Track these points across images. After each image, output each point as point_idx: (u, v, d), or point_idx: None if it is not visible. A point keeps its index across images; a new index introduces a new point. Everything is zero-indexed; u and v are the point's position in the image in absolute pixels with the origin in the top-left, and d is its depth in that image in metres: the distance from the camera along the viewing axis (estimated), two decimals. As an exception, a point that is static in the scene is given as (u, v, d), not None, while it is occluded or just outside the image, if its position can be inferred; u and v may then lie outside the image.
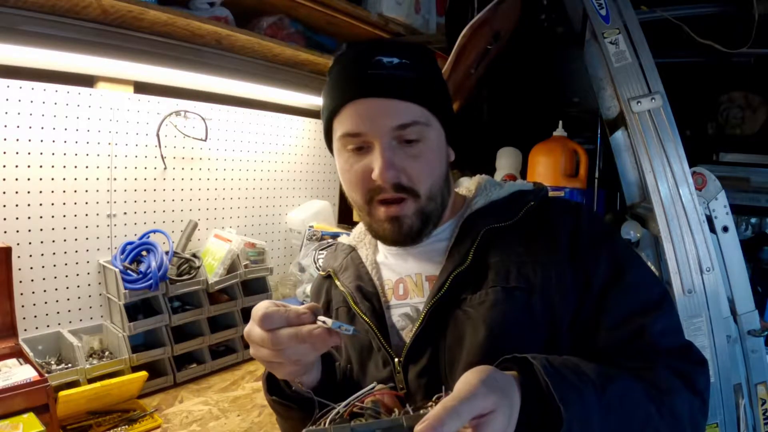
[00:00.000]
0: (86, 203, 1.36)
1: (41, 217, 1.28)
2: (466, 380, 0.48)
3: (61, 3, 1.09)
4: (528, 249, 0.69)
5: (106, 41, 1.23)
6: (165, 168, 1.52)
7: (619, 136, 1.51)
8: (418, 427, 0.43)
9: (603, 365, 0.59)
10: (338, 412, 0.51)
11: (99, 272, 1.39)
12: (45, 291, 1.30)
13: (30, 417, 0.99)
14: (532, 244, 0.70)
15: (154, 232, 1.49)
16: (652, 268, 1.45)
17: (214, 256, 1.56)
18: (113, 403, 1.21)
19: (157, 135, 1.48)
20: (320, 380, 0.67)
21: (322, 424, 0.49)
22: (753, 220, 2.00)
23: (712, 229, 1.44)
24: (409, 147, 0.69)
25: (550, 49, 1.99)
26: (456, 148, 0.77)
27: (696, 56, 1.89)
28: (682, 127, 1.43)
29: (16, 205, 1.23)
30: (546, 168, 1.82)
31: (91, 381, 1.20)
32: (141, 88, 1.47)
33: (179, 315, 1.41)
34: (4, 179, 1.21)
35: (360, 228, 0.87)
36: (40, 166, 1.27)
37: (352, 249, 0.84)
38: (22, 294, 1.24)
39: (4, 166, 1.21)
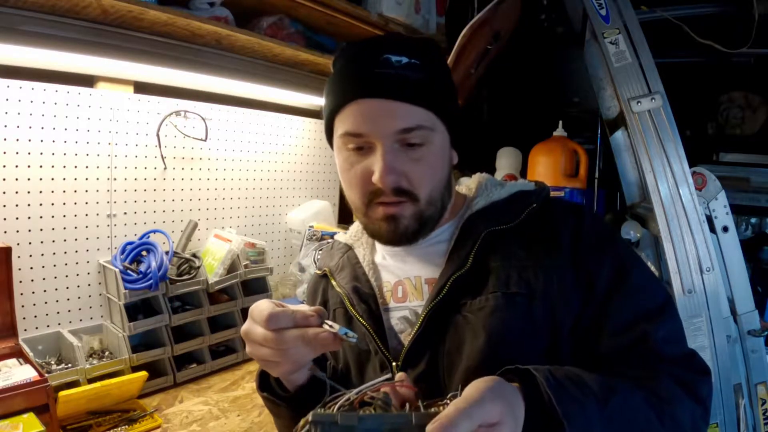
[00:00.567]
0: (86, 203, 1.36)
1: (41, 217, 1.28)
2: (476, 386, 0.48)
3: (61, 3, 1.09)
4: (529, 252, 0.68)
5: (106, 41, 1.23)
6: (165, 168, 1.52)
7: (619, 136, 1.51)
8: (429, 427, 0.43)
9: (605, 375, 0.59)
10: (349, 399, 0.50)
11: (99, 272, 1.39)
12: (45, 291, 1.30)
13: (30, 417, 0.99)
14: (534, 247, 0.68)
15: (154, 232, 1.49)
16: (652, 268, 1.46)
17: (214, 256, 1.56)
18: (113, 403, 1.21)
19: (157, 135, 1.48)
20: (310, 379, 0.67)
21: (332, 409, 0.48)
22: (753, 220, 2.01)
23: (712, 229, 1.44)
24: (412, 150, 0.67)
25: (550, 49, 2.00)
26: (456, 149, 0.76)
27: (696, 56, 1.89)
28: (682, 127, 1.43)
29: (16, 205, 1.23)
30: (546, 168, 1.82)
31: (91, 381, 1.20)
32: (141, 88, 1.47)
33: (179, 315, 1.41)
34: (4, 179, 1.21)
35: (357, 226, 0.86)
36: (40, 166, 1.27)
37: (349, 248, 0.83)
38: (22, 294, 1.24)
39: (4, 166, 1.21)
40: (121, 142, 1.41)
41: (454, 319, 0.66)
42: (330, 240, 1.76)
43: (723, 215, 1.47)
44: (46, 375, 1.08)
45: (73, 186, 1.33)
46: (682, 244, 1.36)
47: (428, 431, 0.43)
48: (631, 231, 1.47)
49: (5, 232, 1.22)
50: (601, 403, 0.55)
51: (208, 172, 1.65)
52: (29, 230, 1.26)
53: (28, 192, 1.25)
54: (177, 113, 1.52)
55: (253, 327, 0.58)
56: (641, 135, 1.41)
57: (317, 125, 2.02)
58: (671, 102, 1.41)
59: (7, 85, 1.20)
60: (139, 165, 1.47)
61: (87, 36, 1.19)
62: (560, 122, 1.87)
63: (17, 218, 1.23)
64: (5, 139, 1.20)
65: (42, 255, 1.28)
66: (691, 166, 1.40)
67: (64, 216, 1.32)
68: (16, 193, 1.23)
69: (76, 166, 1.33)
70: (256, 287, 1.65)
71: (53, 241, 1.30)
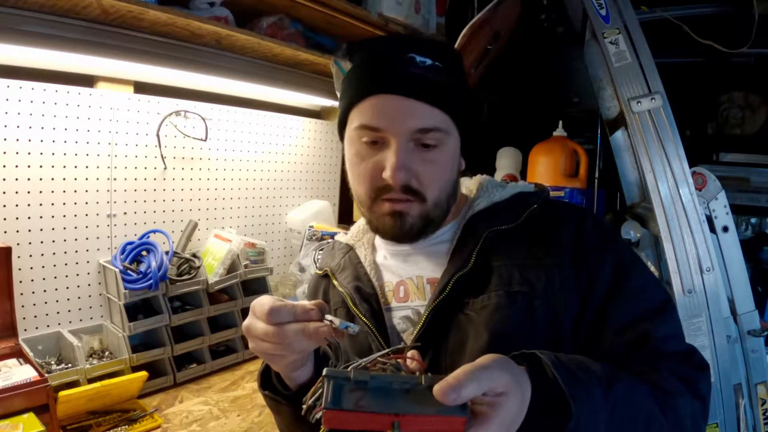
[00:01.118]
0: (86, 203, 1.36)
1: (41, 217, 1.28)
2: (485, 357, 0.49)
3: (61, 3, 1.09)
4: (531, 252, 0.69)
5: (106, 41, 1.23)
6: (165, 168, 1.52)
7: (619, 136, 1.51)
8: (437, 386, 0.44)
9: (607, 365, 0.59)
10: (361, 364, 0.51)
11: (99, 272, 1.39)
12: (45, 291, 1.30)
13: (30, 417, 0.99)
14: (535, 247, 0.69)
15: (154, 232, 1.49)
16: (652, 268, 1.46)
17: (214, 256, 1.56)
18: (113, 403, 1.21)
19: (157, 135, 1.48)
20: (312, 376, 0.67)
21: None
22: (753, 220, 2.01)
23: (712, 229, 1.44)
24: (425, 152, 0.68)
25: (550, 49, 2.00)
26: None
27: (696, 56, 1.89)
28: (682, 127, 1.43)
29: (16, 205, 1.23)
30: (546, 168, 1.82)
31: (91, 381, 1.20)
32: (141, 88, 1.47)
33: (179, 315, 1.41)
34: (4, 179, 1.21)
35: (358, 227, 0.86)
36: (40, 166, 1.27)
37: (350, 248, 0.83)
38: (22, 294, 1.24)
39: (4, 166, 1.21)
40: (121, 142, 1.41)
41: (456, 318, 0.67)
42: (330, 240, 1.77)
43: (723, 215, 1.47)
44: (46, 375, 1.08)
45: (73, 186, 1.33)
46: (682, 244, 1.36)
47: (435, 390, 0.44)
48: (631, 231, 1.47)
49: (5, 232, 1.22)
50: (606, 388, 0.55)
51: (208, 172, 1.65)
52: (29, 230, 1.26)
53: (28, 192, 1.25)
54: (177, 113, 1.52)
55: (254, 322, 0.58)
56: (641, 135, 1.41)
57: (317, 125, 2.02)
58: (671, 102, 1.42)
59: (7, 85, 1.20)
60: (139, 165, 1.46)
61: (87, 36, 1.19)
62: (560, 122, 1.87)
63: (17, 218, 1.23)
64: (5, 139, 1.20)
65: (42, 255, 1.28)
66: (691, 166, 1.40)
67: (64, 216, 1.32)
68: (16, 193, 1.23)
69: (76, 166, 1.33)
70: (256, 287, 1.65)
71: (53, 241, 1.30)
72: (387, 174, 0.66)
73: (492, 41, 1.69)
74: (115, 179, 1.41)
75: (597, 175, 1.89)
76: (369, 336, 0.71)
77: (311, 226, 1.82)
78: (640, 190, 1.52)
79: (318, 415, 0.46)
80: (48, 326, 1.30)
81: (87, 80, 1.37)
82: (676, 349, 0.66)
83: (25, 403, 1.01)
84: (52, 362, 1.25)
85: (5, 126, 1.20)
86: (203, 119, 1.58)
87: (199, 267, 1.48)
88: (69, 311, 1.34)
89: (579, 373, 0.55)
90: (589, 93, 1.63)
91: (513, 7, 1.71)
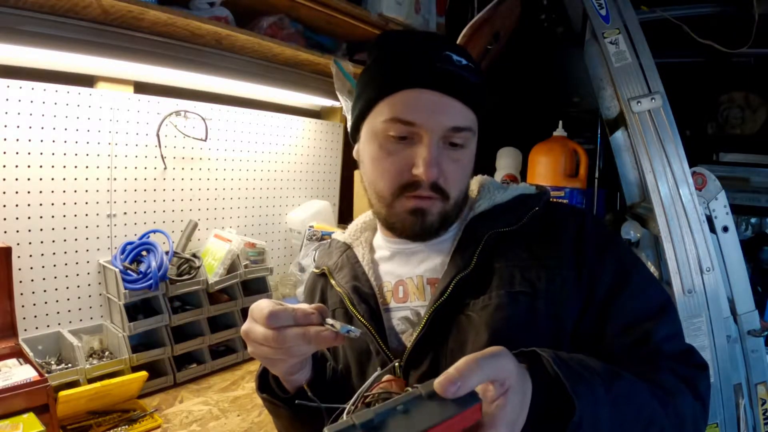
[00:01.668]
0: (86, 203, 1.36)
1: (41, 217, 1.28)
2: (488, 348, 0.47)
3: (61, 3, 1.09)
4: (532, 253, 0.69)
5: (106, 41, 1.23)
6: (165, 168, 1.52)
7: (619, 136, 1.51)
8: (437, 380, 0.42)
9: (607, 364, 0.59)
10: (354, 404, 0.49)
11: (99, 272, 1.39)
12: (45, 291, 1.30)
13: (30, 417, 0.99)
14: (537, 249, 0.69)
15: (154, 232, 1.49)
16: (652, 268, 1.46)
17: (214, 256, 1.56)
18: (113, 403, 1.21)
19: (157, 135, 1.48)
20: (311, 379, 0.67)
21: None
22: (753, 220, 2.01)
23: (712, 229, 1.44)
24: (453, 150, 0.68)
25: (550, 49, 2.00)
26: None
27: (696, 56, 1.89)
28: (682, 127, 1.43)
29: (16, 205, 1.23)
30: (546, 168, 1.82)
31: (91, 381, 1.20)
32: (141, 88, 1.47)
33: (179, 315, 1.41)
34: (4, 179, 1.21)
35: (355, 225, 0.85)
36: (40, 166, 1.27)
37: (348, 247, 0.82)
38: (22, 294, 1.24)
39: (4, 166, 1.21)
40: (121, 142, 1.41)
41: (457, 319, 0.67)
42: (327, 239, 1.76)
43: (723, 215, 1.47)
44: (46, 375, 1.08)
45: (73, 186, 1.33)
46: (682, 244, 1.36)
47: (436, 384, 0.42)
48: (631, 231, 1.47)
49: (5, 232, 1.22)
50: (607, 385, 0.55)
51: (208, 172, 1.65)
52: (29, 230, 1.26)
53: (28, 192, 1.25)
54: (177, 113, 1.52)
55: (253, 326, 0.58)
56: (641, 135, 1.41)
57: (317, 125, 2.02)
58: (671, 102, 1.41)
59: (7, 85, 1.20)
60: (139, 165, 1.46)
61: (87, 36, 1.19)
62: (560, 122, 1.87)
63: (17, 218, 1.23)
64: (5, 139, 1.20)
65: (42, 255, 1.28)
66: (691, 166, 1.40)
67: (64, 216, 1.32)
68: (16, 193, 1.23)
69: (76, 166, 1.33)
70: (256, 287, 1.65)
71: (53, 241, 1.30)
72: (420, 170, 0.66)
73: (492, 41, 1.69)
74: (115, 179, 1.41)
75: (597, 175, 1.88)
76: (367, 337, 0.70)
77: (311, 226, 1.82)
78: (640, 190, 1.52)
79: None
80: (48, 326, 1.30)
81: (87, 80, 1.37)
82: (676, 349, 0.66)
83: (25, 403, 1.01)
84: (52, 362, 1.25)
85: (5, 126, 1.20)
86: (203, 119, 1.58)
87: (199, 267, 1.48)
88: (69, 311, 1.34)
89: (580, 370, 0.54)
90: (589, 93, 1.63)
91: (513, 7, 1.71)
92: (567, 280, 0.66)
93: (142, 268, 1.36)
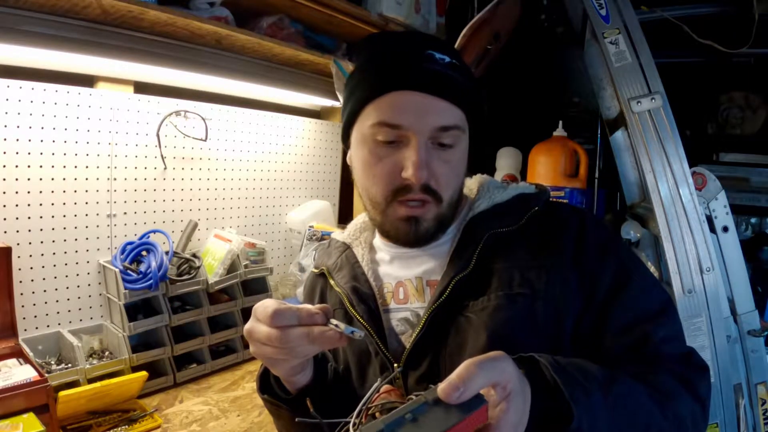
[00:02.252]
0: (86, 203, 1.36)
1: (41, 217, 1.28)
2: (490, 352, 0.48)
3: (61, 3, 1.09)
4: (532, 254, 0.68)
5: (106, 41, 1.23)
6: (165, 168, 1.52)
7: (619, 136, 1.51)
8: (440, 387, 0.42)
9: (606, 367, 0.59)
10: (359, 416, 0.49)
11: (99, 272, 1.39)
12: (45, 291, 1.30)
13: (30, 417, 0.99)
14: (536, 249, 0.68)
15: (154, 232, 1.49)
16: (652, 268, 1.46)
17: (214, 256, 1.56)
18: (113, 403, 1.21)
19: (157, 135, 1.48)
20: (312, 380, 0.67)
21: None
22: (753, 220, 2.00)
23: (712, 229, 1.44)
24: (443, 151, 0.67)
25: (550, 49, 2.00)
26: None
27: (696, 56, 1.89)
28: (682, 127, 1.43)
29: (16, 205, 1.23)
30: (546, 168, 1.82)
31: (91, 381, 1.20)
32: (141, 88, 1.47)
33: (179, 315, 1.41)
34: (4, 179, 1.21)
35: (355, 225, 0.85)
36: (40, 166, 1.27)
37: (347, 247, 0.81)
38: (22, 294, 1.24)
39: (4, 166, 1.21)
40: (121, 142, 1.41)
41: (456, 320, 0.66)
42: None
43: (723, 215, 1.47)
44: (46, 375, 1.08)
45: (73, 186, 1.33)
46: (682, 244, 1.36)
47: (440, 391, 0.42)
48: (631, 231, 1.47)
49: (5, 232, 1.22)
50: (605, 390, 0.55)
51: (208, 172, 1.65)
52: (29, 230, 1.26)
53: (28, 192, 1.25)
54: (177, 113, 1.52)
55: (256, 325, 0.57)
56: (641, 135, 1.41)
57: (317, 125, 2.02)
58: (671, 102, 1.41)
59: (7, 85, 1.20)
60: (139, 165, 1.46)
61: (87, 36, 1.19)
62: (560, 122, 1.87)
63: (17, 218, 1.23)
64: (5, 139, 1.20)
65: (42, 255, 1.28)
66: (691, 166, 1.40)
67: (64, 216, 1.32)
68: (16, 193, 1.23)
69: (76, 166, 1.33)
70: (256, 287, 1.65)
71: (53, 241, 1.30)
72: (409, 173, 0.65)
73: (492, 41, 1.69)
74: (115, 179, 1.41)
75: (597, 175, 1.89)
76: (367, 338, 0.69)
77: (311, 226, 1.82)
78: (640, 190, 1.52)
79: None
80: (48, 326, 1.30)
81: (87, 80, 1.37)
82: (676, 350, 0.66)
83: (25, 403, 1.01)
84: (52, 362, 1.25)
85: (5, 126, 1.20)
86: (203, 119, 1.58)
87: (199, 267, 1.48)
88: (69, 311, 1.34)
89: (578, 376, 0.54)
90: (589, 93, 1.63)
91: (513, 7, 1.71)
92: (567, 281, 0.66)
93: (142, 268, 1.36)
